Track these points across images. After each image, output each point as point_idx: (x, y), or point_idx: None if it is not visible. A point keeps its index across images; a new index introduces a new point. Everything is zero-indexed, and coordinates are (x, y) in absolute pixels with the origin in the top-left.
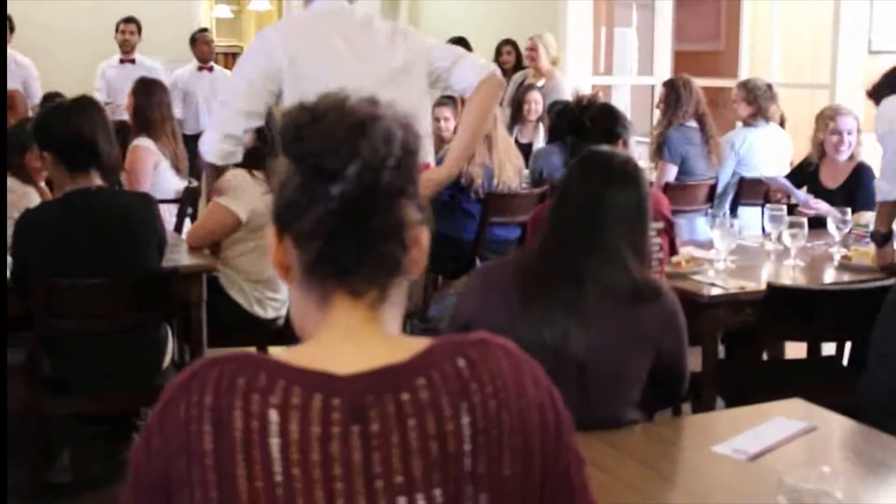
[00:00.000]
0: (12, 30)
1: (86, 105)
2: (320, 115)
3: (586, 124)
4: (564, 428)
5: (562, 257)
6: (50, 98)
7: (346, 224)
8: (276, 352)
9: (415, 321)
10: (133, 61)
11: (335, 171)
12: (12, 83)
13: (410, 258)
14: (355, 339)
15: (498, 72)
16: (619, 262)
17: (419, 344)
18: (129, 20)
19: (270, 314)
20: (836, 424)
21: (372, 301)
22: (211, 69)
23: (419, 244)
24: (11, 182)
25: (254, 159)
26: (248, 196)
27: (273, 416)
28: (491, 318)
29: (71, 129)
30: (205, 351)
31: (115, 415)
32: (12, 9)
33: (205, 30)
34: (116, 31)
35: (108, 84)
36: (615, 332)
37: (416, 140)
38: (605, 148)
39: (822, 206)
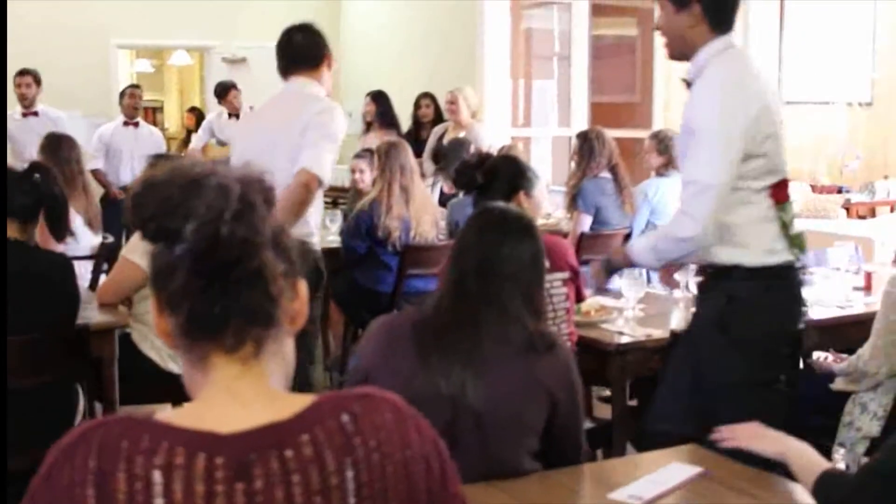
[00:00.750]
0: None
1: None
2: (155, 181)
3: (479, 180)
4: (450, 478)
5: (458, 311)
6: None
7: (204, 282)
8: (163, 413)
9: (334, 373)
10: (36, 113)
11: (175, 231)
12: None
13: (286, 309)
14: (237, 397)
15: (314, 172)
16: (514, 315)
17: (303, 401)
18: (24, 72)
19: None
20: (727, 469)
21: (246, 356)
22: (137, 124)
23: (297, 294)
24: None
25: None
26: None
27: (157, 476)
28: (390, 369)
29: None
30: (118, 409)
31: (23, 474)
32: None
33: (136, 86)
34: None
35: (11, 136)
36: (510, 383)
37: (259, 192)
38: (499, 204)
39: None
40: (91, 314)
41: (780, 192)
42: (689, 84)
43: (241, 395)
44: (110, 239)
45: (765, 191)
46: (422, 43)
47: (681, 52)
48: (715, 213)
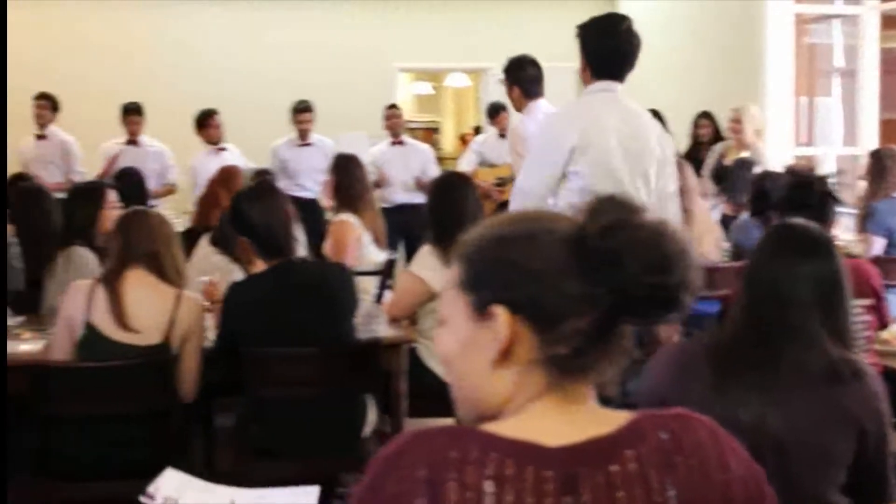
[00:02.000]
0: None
1: (261, 194)
2: (637, 226)
3: (797, 200)
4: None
5: (752, 337)
6: (260, 174)
7: (607, 328)
8: (485, 424)
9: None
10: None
11: (655, 286)
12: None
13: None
14: (564, 413)
15: None
16: (814, 341)
17: (623, 417)
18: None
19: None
20: None
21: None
22: (402, 143)
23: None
24: (220, 259)
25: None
26: (435, 267)
27: (488, 487)
28: (681, 394)
29: (253, 220)
30: (405, 422)
31: (315, 481)
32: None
33: (393, 105)
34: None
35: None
36: (814, 412)
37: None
38: (794, 221)
39: None
40: (380, 328)
41: None
42: None
43: (568, 411)
44: (395, 255)
45: None
46: (701, 61)
47: None
48: None
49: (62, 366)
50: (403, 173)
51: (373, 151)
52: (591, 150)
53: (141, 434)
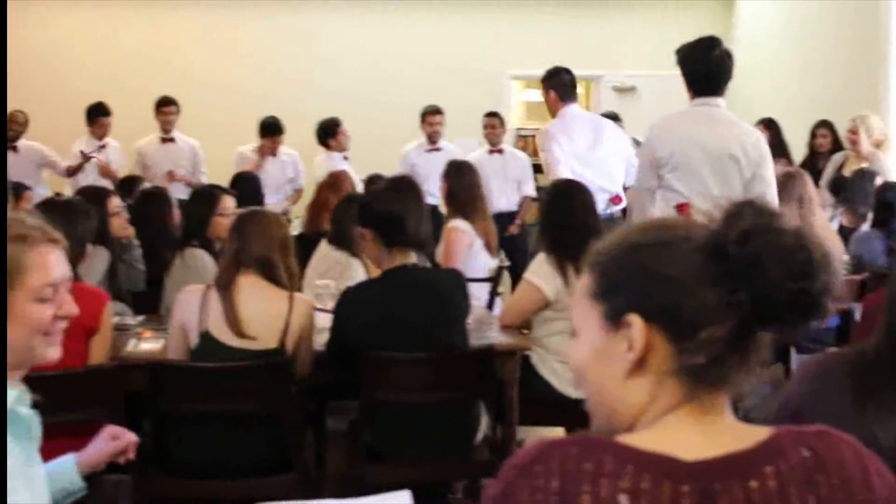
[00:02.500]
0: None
1: (402, 186)
2: (778, 231)
3: None
4: None
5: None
6: (373, 180)
7: (745, 336)
8: (620, 436)
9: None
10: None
11: (798, 291)
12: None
13: None
14: (701, 425)
15: None
16: None
17: (762, 432)
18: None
19: (582, 395)
20: None
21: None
22: (500, 151)
23: None
24: (340, 255)
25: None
26: (551, 275)
27: (623, 500)
28: (821, 411)
29: (388, 208)
30: (516, 429)
31: (425, 486)
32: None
33: (492, 114)
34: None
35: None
36: None
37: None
38: None
39: None
40: (493, 335)
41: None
42: None
43: (705, 424)
44: (507, 262)
45: None
46: (819, 69)
47: None
48: None
49: (181, 364)
50: (502, 182)
51: (470, 158)
52: (674, 160)
53: (255, 435)
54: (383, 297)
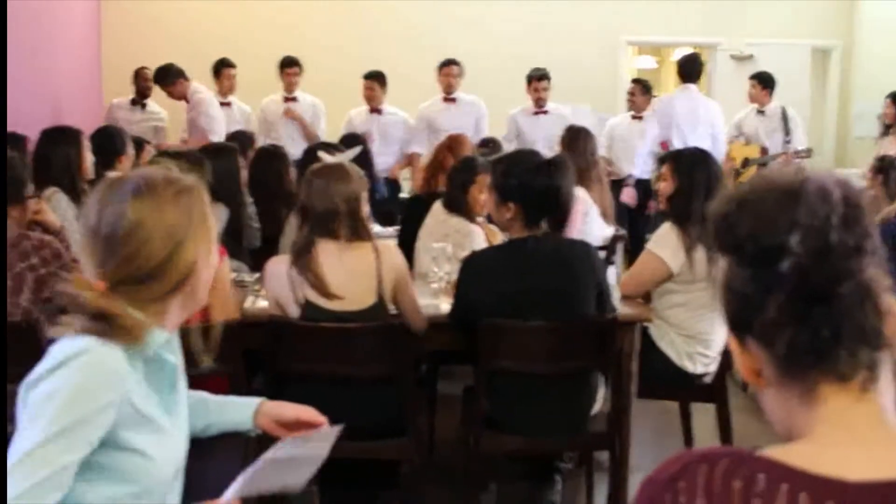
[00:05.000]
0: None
1: (560, 163)
2: (745, 197)
3: None
4: None
5: None
6: (486, 143)
7: (811, 302)
8: (770, 450)
9: None
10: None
11: (777, 247)
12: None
13: (890, 328)
14: (857, 437)
15: None
16: None
17: None
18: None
19: (699, 369)
20: None
21: (862, 382)
22: (641, 118)
23: (892, 311)
24: (457, 221)
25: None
26: (675, 247)
27: None
28: None
29: (544, 185)
30: (632, 402)
31: (540, 457)
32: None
33: (638, 81)
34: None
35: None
36: None
37: (858, 193)
38: None
39: None
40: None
41: None
42: None
43: (862, 435)
44: (622, 231)
45: None
46: None
47: None
48: None
49: (303, 325)
50: (640, 148)
51: (610, 124)
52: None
53: (370, 397)
54: (507, 262)
